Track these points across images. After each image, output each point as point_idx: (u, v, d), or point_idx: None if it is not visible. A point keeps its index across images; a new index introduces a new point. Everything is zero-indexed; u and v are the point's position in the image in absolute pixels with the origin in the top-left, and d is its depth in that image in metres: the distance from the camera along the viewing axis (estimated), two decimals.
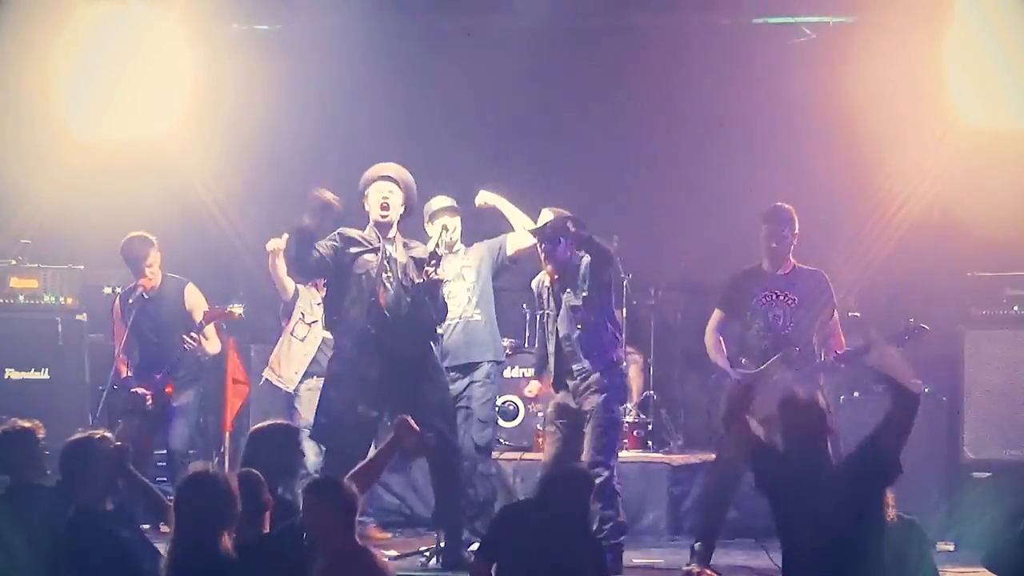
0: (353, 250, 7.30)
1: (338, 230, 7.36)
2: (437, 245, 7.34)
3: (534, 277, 7.79)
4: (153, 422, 8.31)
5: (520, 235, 7.90)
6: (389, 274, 7.26)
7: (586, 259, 7.40)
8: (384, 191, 7.35)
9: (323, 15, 9.42)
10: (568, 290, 7.44)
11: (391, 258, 7.30)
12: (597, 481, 6.90)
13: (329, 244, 7.27)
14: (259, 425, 6.18)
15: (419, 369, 7.34)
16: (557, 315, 7.51)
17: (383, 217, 7.36)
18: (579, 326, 7.41)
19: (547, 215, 7.58)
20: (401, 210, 7.42)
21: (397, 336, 7.25)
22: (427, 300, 7.29)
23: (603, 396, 7.35)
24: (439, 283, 7.26)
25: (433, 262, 7.21)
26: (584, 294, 7.39)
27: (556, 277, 7.45)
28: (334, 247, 7.27)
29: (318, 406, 7.45)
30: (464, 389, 7.91)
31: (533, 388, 9.25)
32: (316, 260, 7.22)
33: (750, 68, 9.75)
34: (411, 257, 7.35)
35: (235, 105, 9.39)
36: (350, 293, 7.29)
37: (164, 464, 8.61)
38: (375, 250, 7.30)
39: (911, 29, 8.87)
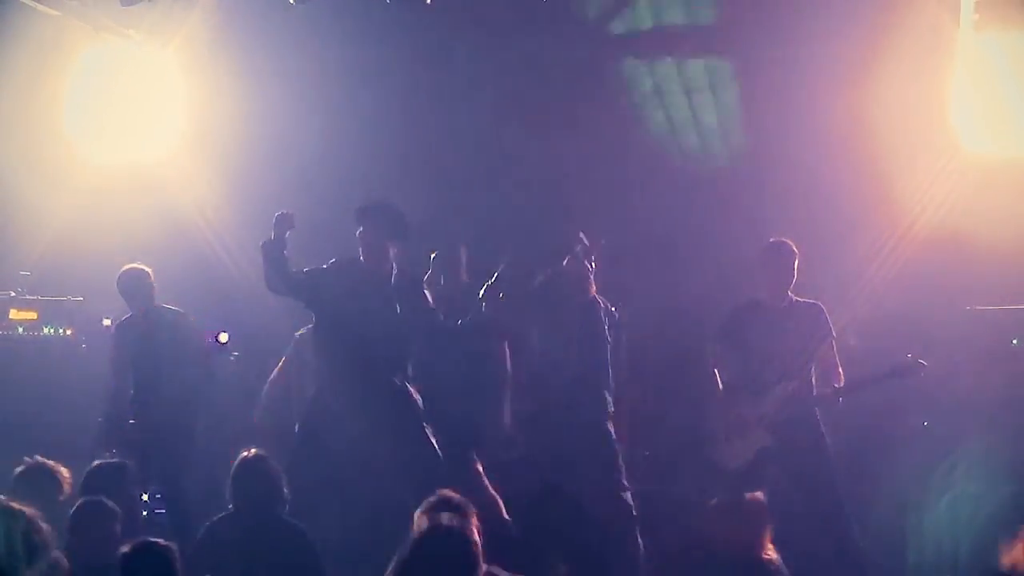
0: (334, 278, 7.21)
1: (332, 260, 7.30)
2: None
3: None
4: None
5: None
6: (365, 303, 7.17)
7: None
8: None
9: (318, 45, 9.45)
10: None
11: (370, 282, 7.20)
12: None
13: (314, 268, 7.21)
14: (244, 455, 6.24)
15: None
16: None
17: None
18: None
19: None
20: None
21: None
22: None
23: None
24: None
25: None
26: None
27: None
28: (318, 271, 7.20)
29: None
30: None
31: None
32: (292, 273, 7.11)
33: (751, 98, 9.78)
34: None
35: (230, 132, 9.42)
36: (327, 322, 7.20)
37: (160, 496, 8.57)
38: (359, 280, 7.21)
39: (915, 59, 8.87)
